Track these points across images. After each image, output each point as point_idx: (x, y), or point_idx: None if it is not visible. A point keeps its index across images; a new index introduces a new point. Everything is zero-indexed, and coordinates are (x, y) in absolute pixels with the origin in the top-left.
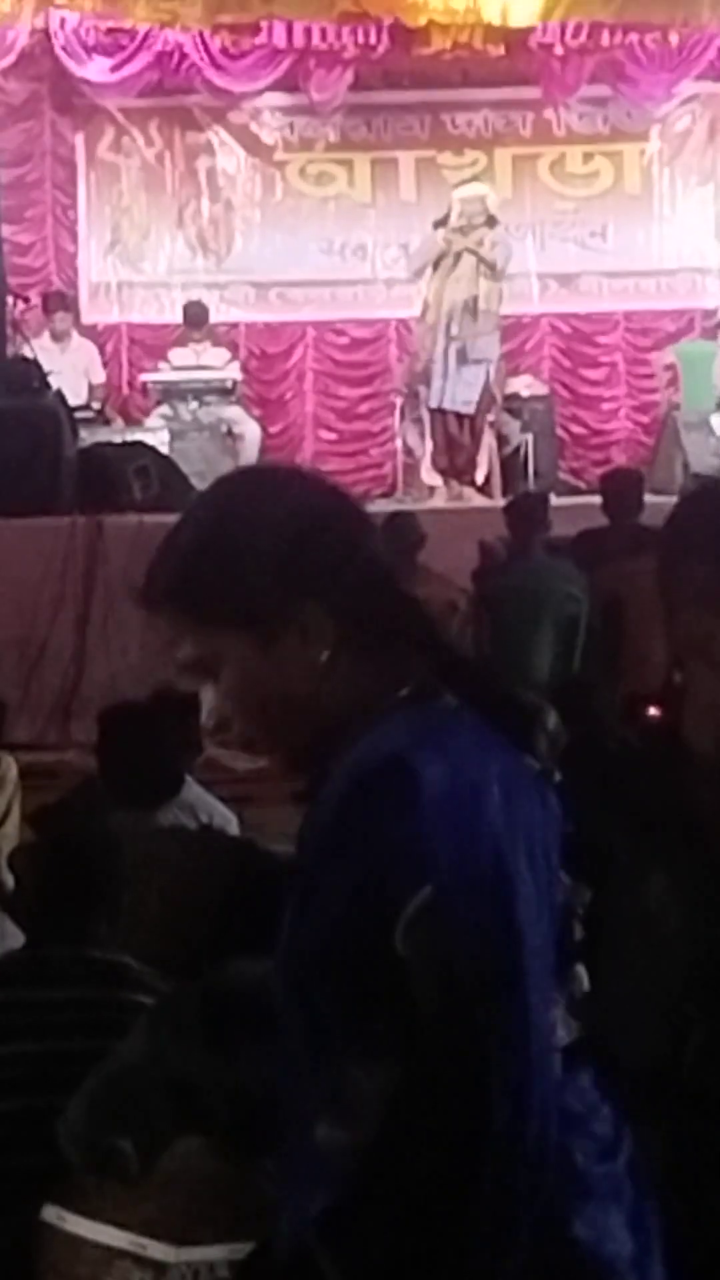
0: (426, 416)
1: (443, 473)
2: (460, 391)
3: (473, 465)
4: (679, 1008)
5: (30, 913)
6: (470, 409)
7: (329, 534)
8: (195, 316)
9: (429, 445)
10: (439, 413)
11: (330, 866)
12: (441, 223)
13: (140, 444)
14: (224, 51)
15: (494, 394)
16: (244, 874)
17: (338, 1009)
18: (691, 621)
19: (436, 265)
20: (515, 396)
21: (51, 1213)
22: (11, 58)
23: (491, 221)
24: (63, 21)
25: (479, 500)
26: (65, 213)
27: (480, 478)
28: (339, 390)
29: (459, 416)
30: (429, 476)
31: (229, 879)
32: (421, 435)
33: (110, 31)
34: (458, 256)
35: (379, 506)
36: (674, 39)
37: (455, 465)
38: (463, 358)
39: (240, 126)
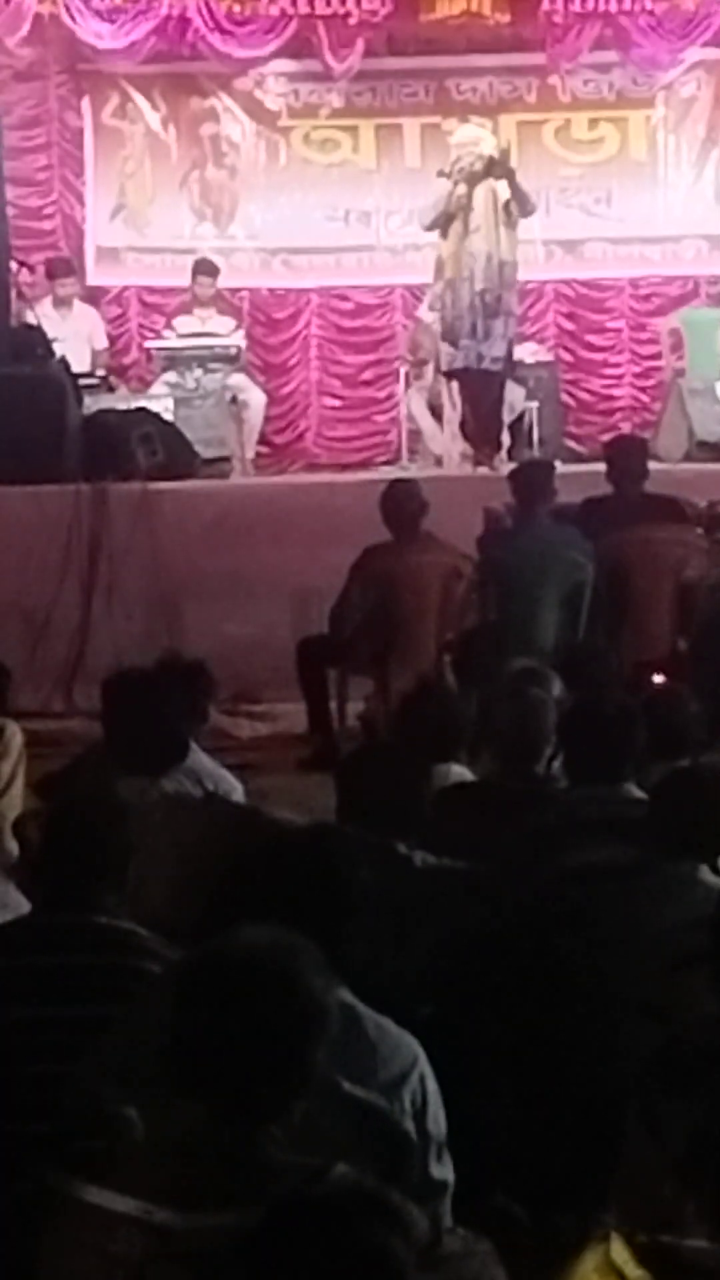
0: (443, 386)
1: (470, 439)
2: (488, 348)
3: (500, 428)
4: None
5: (36, 880)
6: (499, 366)
7: None
8: (206, 267)
9: (454, 411)
10: (464, 373)
11: None
12: (446, 173)
13: (144, 411)
14: (229, 17)
15: (513, 353)
16: (249, 841)
17: None
18: None
19: (448, 222)
20: (520, 363)
21: (57, 1179)
22: (26, 28)
23: (496, 169)
24: None
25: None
26: (73, 178)
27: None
28: (343, 357)
29: (484, 375)
30: (441, 445)
31: (234, 846)
32: (434, 404)
33: None
34: (469, 207)
35: (383, 474)
36: (683, 5)
37: (485, 430)
38: (491, 312)
39: (245, 93)
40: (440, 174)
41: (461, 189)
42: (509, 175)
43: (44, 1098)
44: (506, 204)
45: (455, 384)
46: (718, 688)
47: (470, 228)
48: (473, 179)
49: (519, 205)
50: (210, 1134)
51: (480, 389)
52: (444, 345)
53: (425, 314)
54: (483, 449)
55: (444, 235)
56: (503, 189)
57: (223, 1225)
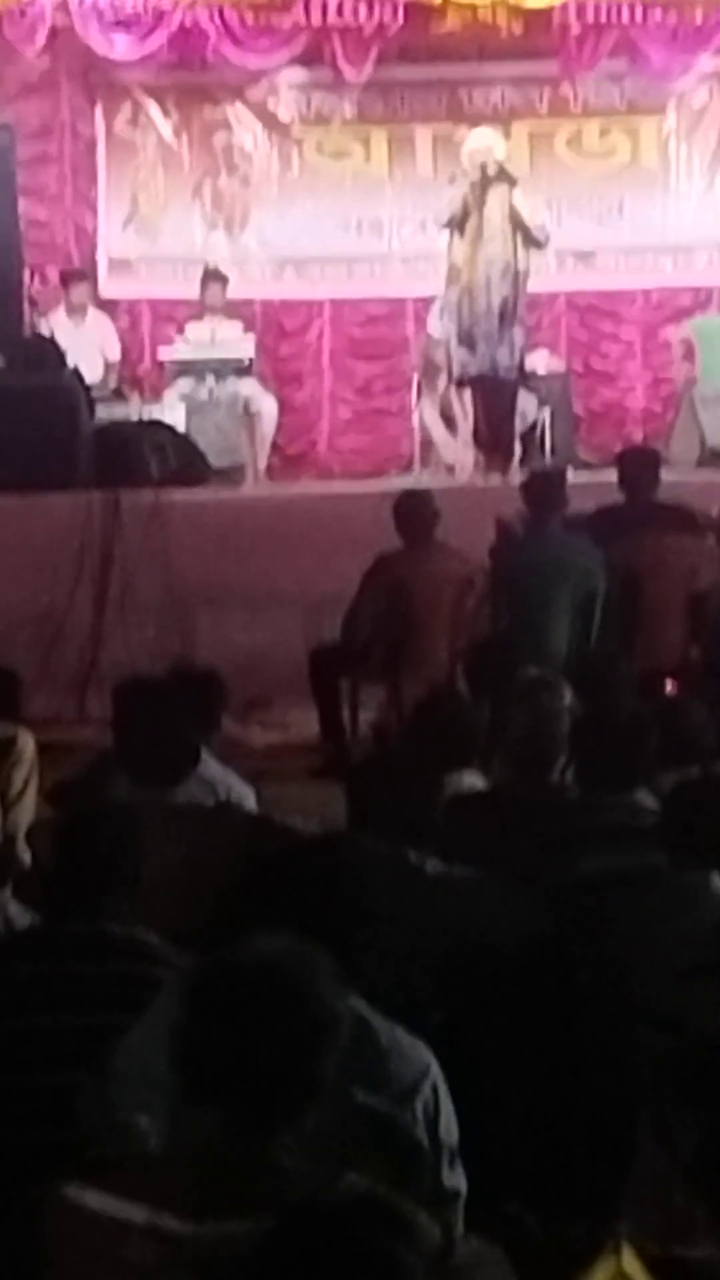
0: (455, 395)
1: (484, 447)
2: (503, 355)
3: (513, 436)
4: None
5: (48, 888)
6: (512, 374)
7: None
8: (215, 275)
9: (466, 421)
10: (479, 379)
11: None
12: (456, 179)
13: (156, 421)
14: (241, 27)
15: (524, 361)
16: (261, 849)
17: None
18: None
19: (462, 228)
20: (532, 373)
21: (69, 1187)
22: (41, 40)
23: (509, 178)
24: None
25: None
26: (85, 188)
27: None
28: (356, 367)
29: (499, 382)
30: (454, 454)
31: (246, 854)
32: (447, 413)
33: (128, 7)
34: (481, 214)
35: (396, 483)
36: (695, 15)
37: (498, 438)
38: (507, 320)
39: (257, 102)
40: (451, 181)
41: (475, 192)
42: (516, 184)
43: (56, 1106)
44: (521, 219)
45: (468, 391)
46: None
47: (485, 235)
48: (485, 182)
49: (530, 238)
50: (222, 1143)
51: (495, 395)
52: (459, 351)
53: (433, 325)
54: (495, 457)
55: (460, 234)
56: (517, 198)
57: (235, 1234)
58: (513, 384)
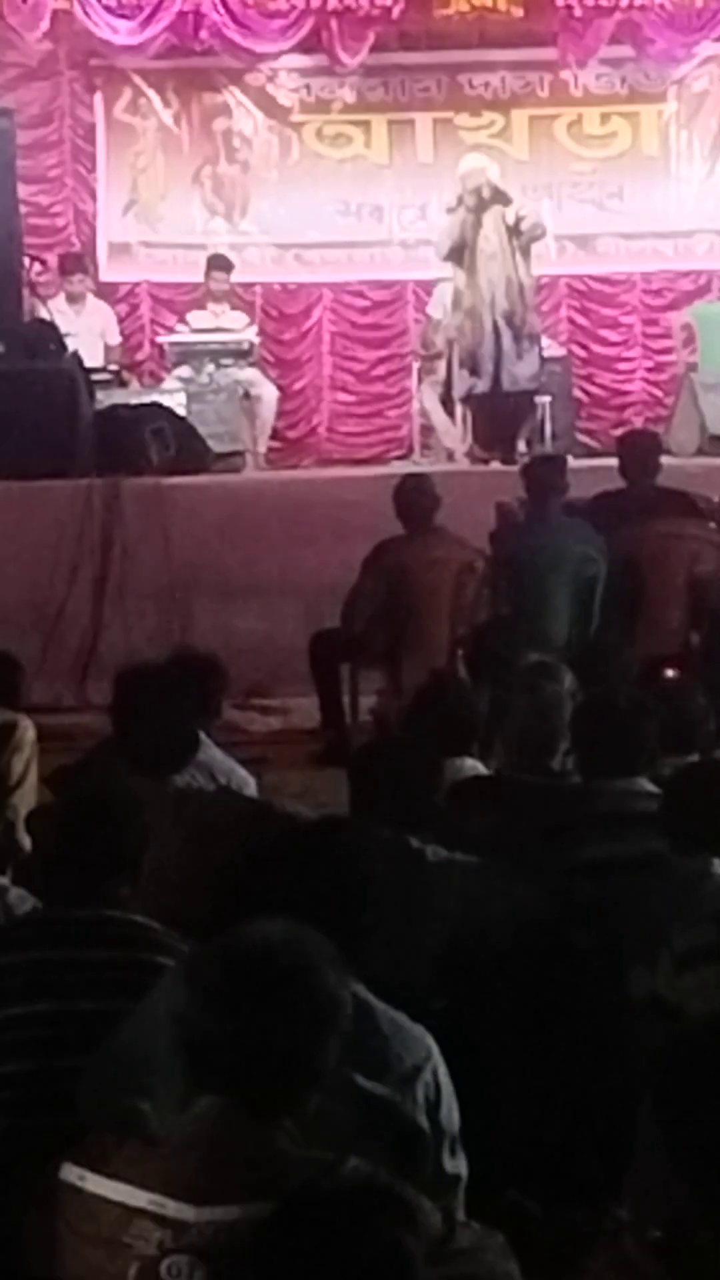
0: (459, 407)
1: (487, 450)
2: (521, 370)
3: (515, 439)
4: None
5: (49, 874)
6: (534, 384)
7: None
8: (220, 262)
9: (465, 429)
10: (481, 400)
11: None
12: (454, 207)
13: (157, 406)
14: (242, 12)
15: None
16: (262, 835)
17: None
18: None
19: (460, 256)
20: None
21: (71, 1172)
22: (44, 25)
23: (504, 198)
24: None
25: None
26: (85, 173)
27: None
28: (356, 352)
29: (504, 399)
30: (454, 439)
31: (247, 840)
32: (445, 402)
33: None
34: (480, 234)
35: (396, 469)
36: (695, 1)
37: (502, 444)
38: (519, 334)
39: (257, 88)
40: (449, 210)
41: (471, 217)
42: (510, 203)
43: (58, 1091)
44: (517, 225)
45: (470, 409)
46: None
47: (486, 254)
48: (480, 206)
49: (529, 232)
50: (224, 1127)
51: (498, 414)
52: (460, 373)
53: (434, 309)
54: (495, 450)
55: (459, 264)
56: (510, 214)
57: (237, 1218)
58: (527, 396)
